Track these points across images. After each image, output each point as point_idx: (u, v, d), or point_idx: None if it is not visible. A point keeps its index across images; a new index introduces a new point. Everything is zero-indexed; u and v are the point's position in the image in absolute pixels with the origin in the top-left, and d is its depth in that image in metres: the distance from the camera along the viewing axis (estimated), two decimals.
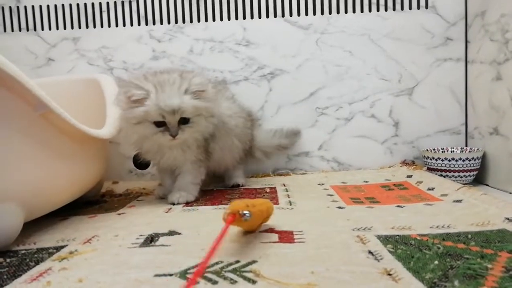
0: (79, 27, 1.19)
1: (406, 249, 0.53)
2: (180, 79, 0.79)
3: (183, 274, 0.47)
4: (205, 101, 0.81)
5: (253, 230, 0.63)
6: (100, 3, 1.18)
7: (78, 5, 1.18)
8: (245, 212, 0.54)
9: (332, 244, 0.56)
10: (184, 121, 0.79)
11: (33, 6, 1.19)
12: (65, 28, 1.19)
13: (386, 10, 1.14)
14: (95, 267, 0.51)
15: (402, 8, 1.14)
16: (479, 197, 0.77)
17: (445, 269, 0.46)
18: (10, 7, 1.19)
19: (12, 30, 1.20)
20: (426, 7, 1.13)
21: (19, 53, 1.20)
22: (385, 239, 0.57)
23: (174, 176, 0.90)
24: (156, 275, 0.47)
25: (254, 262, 0.50)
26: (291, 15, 1.16)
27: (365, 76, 1.16)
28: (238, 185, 1.03)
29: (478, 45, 1.06)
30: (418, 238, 0.57)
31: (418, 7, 1.14)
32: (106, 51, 1.19)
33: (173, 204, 0.85)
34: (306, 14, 1.16)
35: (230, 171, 1.04)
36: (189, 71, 0.85)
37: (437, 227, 0.62)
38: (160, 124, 0.78)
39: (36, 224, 0.71)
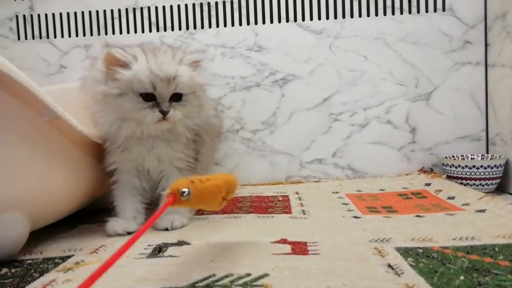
0: (91, 35, 1.19)
1: (428, 262, 0.50)
2: (172, 50, 0.69)
3: (190, 287, 0.45)
4: (200, 75, 0.70)
5: (213, 208, 0.57)
6: (111, 10, 1.18)
7: (90, 12, 1.18)
8: (183, 189, 0.48)
9: (349, 256, 0.53)
10: (176, 97, 0.66)
11: (46, 14, 1.19)
12: (77, 35, 1.19)
13: (401, 13, 1.11)
14: (100, 279, 0.49)
15: (418, 11, 1.11)
16: (504, 207, 0.73)
17: (472, 285, 0.43)
18: (24, 16, 1.20)
19: (26, 38, 1.21)
20: (444, 9, 1.10)
21: (32, 60, 1.20)
22: (405, 252, 0.54)
23: (144, 198, 0.74)
24: None
25: (266, 275, 0.47)
26: (303, 19, 1.14)
27: (380, 81, 1.13)
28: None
29: (499, 48, 1.02)
30: (441, 250, 0.54)
31: (435, 10, 1.10)
32: None
33: (167, 229, 0.70)
34: (319, 18, 1.14)
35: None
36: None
37: (460, 238, 0.59)
38: (148, 97, 0.64)
39: (43, 233, 0.70)
